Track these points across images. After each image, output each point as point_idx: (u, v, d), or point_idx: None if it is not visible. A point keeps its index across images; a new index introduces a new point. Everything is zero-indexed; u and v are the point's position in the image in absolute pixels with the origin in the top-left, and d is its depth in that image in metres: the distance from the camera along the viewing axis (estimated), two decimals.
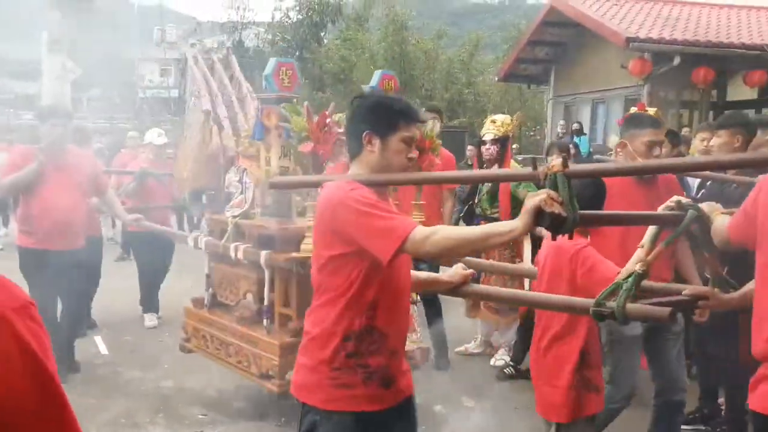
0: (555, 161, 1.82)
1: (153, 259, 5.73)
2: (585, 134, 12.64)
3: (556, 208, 1.72)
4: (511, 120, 5.13)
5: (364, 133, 2.06)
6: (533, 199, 1.76)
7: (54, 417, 0.88)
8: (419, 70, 19.91)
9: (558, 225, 1.75)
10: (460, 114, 19.00)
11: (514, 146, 5.31)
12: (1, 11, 17.84)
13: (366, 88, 3.94)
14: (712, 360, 3.75)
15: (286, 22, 22.03)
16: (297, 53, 21.80)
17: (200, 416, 3.98)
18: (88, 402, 4.15)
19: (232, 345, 3.71)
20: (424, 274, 2.43)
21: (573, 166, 1.87)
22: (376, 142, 2.05)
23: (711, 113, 12.04)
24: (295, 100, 3.57)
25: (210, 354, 3.93)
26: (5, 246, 9.14)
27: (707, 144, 4.09)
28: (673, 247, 3.03)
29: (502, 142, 4.71)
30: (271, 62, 3.62)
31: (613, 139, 4.61)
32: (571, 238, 2.19)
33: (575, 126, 12.64)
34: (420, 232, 1.89)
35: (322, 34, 22.77)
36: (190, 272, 5.34)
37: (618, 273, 2.16)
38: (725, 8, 13.77)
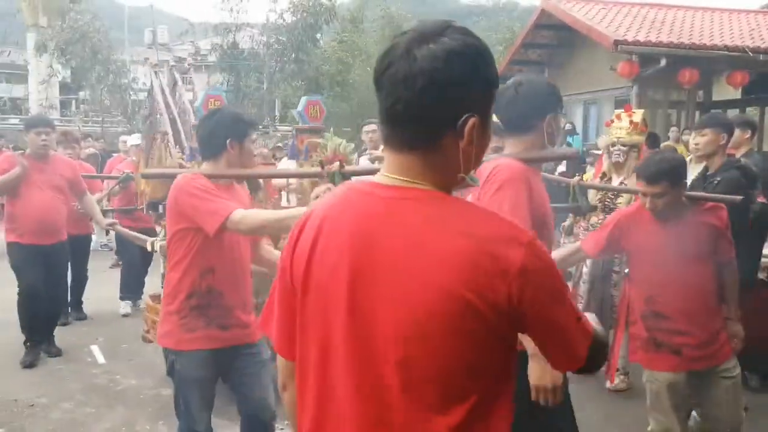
0: (335, 164, 2.84)
1: (134, 251, 6.12)
2: (577, 134, 13.07)
3: None
4: None
5: (228, 140, 2.69)
6: (316, 189, 2.67)
7: None
8: None
9: None
10: None
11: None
12: None
13: (294, 112, 5.03)
14: None
15: (281, 23, 22.09)
16: (293, 55, 21.96)
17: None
18: (87, 411, 4.18)
19: None
20: None
21: (347, 167, 2.94)
22: (236, 146, 2.69)
23: (697, 113, 12.50)
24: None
25: None
26: None
27: (693, 144, 4.22)
28: None
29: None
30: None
31: (603, 139, 4.99)
32: None
33: (567, 126, 13.03)
34: (238, 213, 2.50)
35: (318, 35, 22.89)
36: None
37: None
38: (708, 11, 14.21)
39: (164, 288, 2.83)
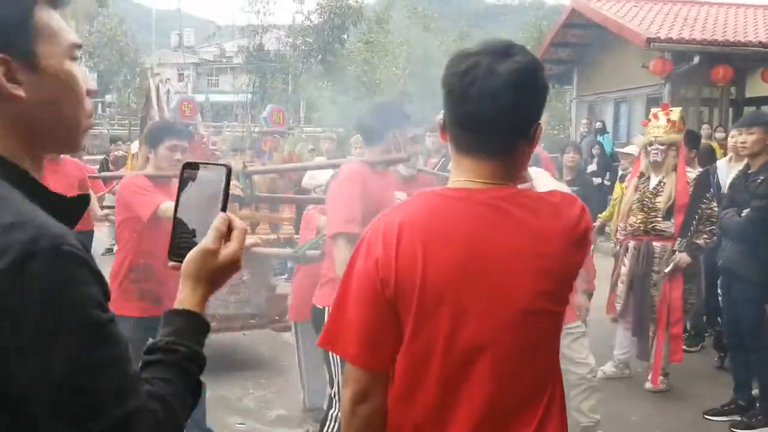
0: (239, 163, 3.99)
1: None
2: (608, 133, 12.94)
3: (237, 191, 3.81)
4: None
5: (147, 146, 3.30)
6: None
7: None
8: (443, 71, 20.25)
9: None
10: None
11: (539, 146, 5.66)
12: None
13: (260, 117, 5.45)
14: (746, 351, 3.99)
15: (308, 25, 22.19)
16: (319, 56, 22.07)
17: (238, 425, 3.98)
18: None
19: None
20: None
21: (250, 167, 4.20)
22: (152, 151, 3.32)
23: (731, 110, 12.30)
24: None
25: None
26: None
27: (739, 142, 4.14)
28: None
29: None
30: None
31: (639, 139, 4.93)
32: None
33: (598, 125, 12.92)
34: (164, 205, 3.03)
35: (344, 36, 22.96)
36: None
37: None
38: (742, 7, 14.01)
39: (113, 265, 3.39)
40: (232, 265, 1.05)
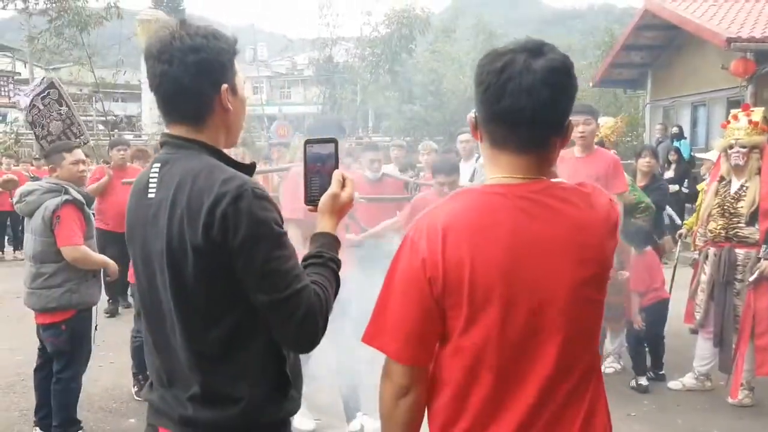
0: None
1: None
2: (685, 138, 12.46)
3: None
4: (614, 122, 5.33)
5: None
6: None
7: None
8: None
9: None
10: None
11: (611, 151, 5.50)
12: (105, 41, 19.45)
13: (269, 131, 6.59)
14: None
15: (376, 36, 22.45)
16: (387, 66, 22.27)
17: (314, 420, 4.03)
18: None
19: None
20: None
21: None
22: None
23: None
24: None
25: None
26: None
27: None
28: None
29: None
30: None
31: (719, 142, 4.73)
32: None
33: (674, 130, 12.45)
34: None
35: (412, 46, 23.11)
36: None
37: None
38: None
39: None
40: (349, 203, 1.61)
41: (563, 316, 1.32)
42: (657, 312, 4.76)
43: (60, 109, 7.11)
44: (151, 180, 1.51)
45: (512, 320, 1.31)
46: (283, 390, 1.53)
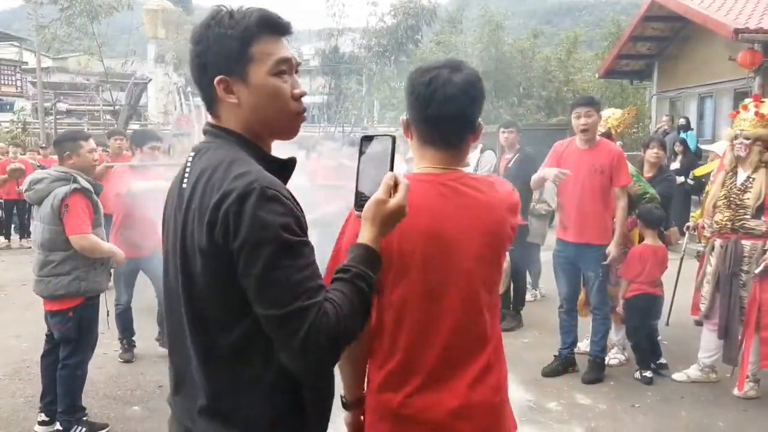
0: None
1: None
2: (692, 129, 12.39)
3: None
4: (622, 114, 5.30)
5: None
6: None
7: None
8: (516, 70, 19.98)
9: None
10: (559, 112, 18.92)
11: (617, 143, 5.44)
12: (110, 31, 19.47)
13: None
14: None
15: (382, 26, 22.37)
16: (393, 57, 22.18)
17: None
18: None
19: None
20: None
21: None
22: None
23: None
24: None
25: None
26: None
27: None
28: None
29: (604, 137, 4.73)
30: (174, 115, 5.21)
31: (727, 132, 4.69)
32: None
33: (681, 121, 12.36)
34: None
35: (418, 37, 23.02)
36: None
37: None
38: None
39: None
40: (399, 211, 1.40)
41: (469, 274, 1.64)
42: (637, 306, 4.64)
43: None
44: (186, 169, 1.42)
45: (429, 279, 1.62)
46: (297, 416, 1.39)
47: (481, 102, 1.69)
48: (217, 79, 1.37)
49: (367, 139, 1.44)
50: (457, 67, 1.66)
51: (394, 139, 1.41)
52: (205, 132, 1.46)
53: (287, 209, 1.28)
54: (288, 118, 1.43)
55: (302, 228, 1.30)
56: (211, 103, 1.42)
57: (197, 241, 1.31)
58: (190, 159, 1.43)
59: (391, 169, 1.40)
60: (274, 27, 1.39)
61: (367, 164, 1.42)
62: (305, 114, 1.44)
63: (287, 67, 1.41)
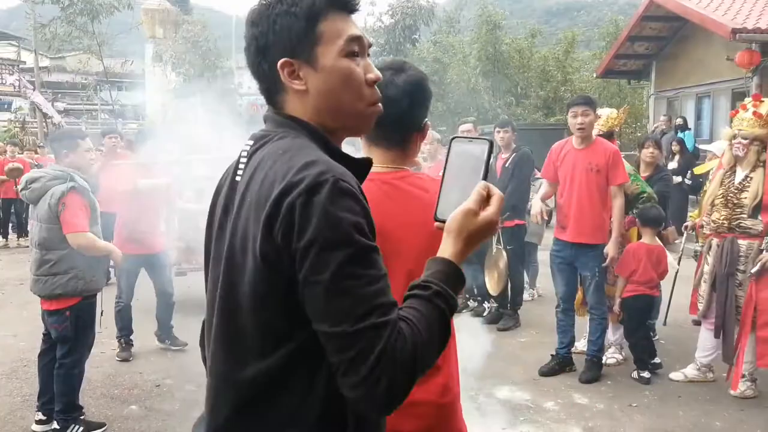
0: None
1: None
2: (689, 129, 12.40)
3: None
4: (618, 114, 5.31)
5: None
6: None
7: None
8: (513, 69, 20.00)
9: None
10: (557, 112, 18.94)
11: (616, 143, 5.44)
12: (109, 30, 19.46)
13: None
14: None
15: (380, 26, 22.37)
16: (390, 57, 22.17)
17: None
18: None
19: None
20: None
21: None
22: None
23: None
24: None
25: None
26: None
27: None
28: None
29: (606, 137, 4.79)
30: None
31: (726, 131, 4.69)
32: None
33: (679, 121, 12.38)
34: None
35: (415, 36, 23.02)
36: None
37: None
38: None
39: None
40: (489, 227, 1.20)
41: (411, 274, 1.47)
42: (635, 307, 4.64)
43: None
44: (241, 160, 1.24)
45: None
46: None
47: (426, 102, 1.73)
48: (280, 62, 1.18)
49: (459, 141, 1.26)
50: (400, 68, 1.71)
51: (491, 144, 1.23)
52: (266, 119, 1.27)
53: (362, 208, 1.09)
54: (363, 107, 1.24)
55: (374, 233, 1.11)
56: (273, 91, 1.24)
57: (251, 240, 1.10)
58: (246, 148, 1.24)
59: (485, 177, 1.22)
60: (343, 2, 1.22)
61: (456, 170, 1.24)
62: (380, 106, 1.27)
63: (359, 47, 1.22)
